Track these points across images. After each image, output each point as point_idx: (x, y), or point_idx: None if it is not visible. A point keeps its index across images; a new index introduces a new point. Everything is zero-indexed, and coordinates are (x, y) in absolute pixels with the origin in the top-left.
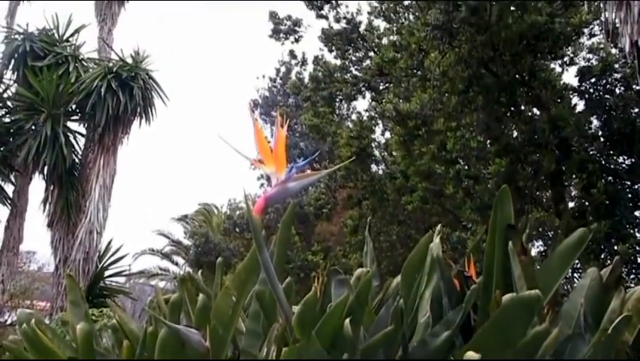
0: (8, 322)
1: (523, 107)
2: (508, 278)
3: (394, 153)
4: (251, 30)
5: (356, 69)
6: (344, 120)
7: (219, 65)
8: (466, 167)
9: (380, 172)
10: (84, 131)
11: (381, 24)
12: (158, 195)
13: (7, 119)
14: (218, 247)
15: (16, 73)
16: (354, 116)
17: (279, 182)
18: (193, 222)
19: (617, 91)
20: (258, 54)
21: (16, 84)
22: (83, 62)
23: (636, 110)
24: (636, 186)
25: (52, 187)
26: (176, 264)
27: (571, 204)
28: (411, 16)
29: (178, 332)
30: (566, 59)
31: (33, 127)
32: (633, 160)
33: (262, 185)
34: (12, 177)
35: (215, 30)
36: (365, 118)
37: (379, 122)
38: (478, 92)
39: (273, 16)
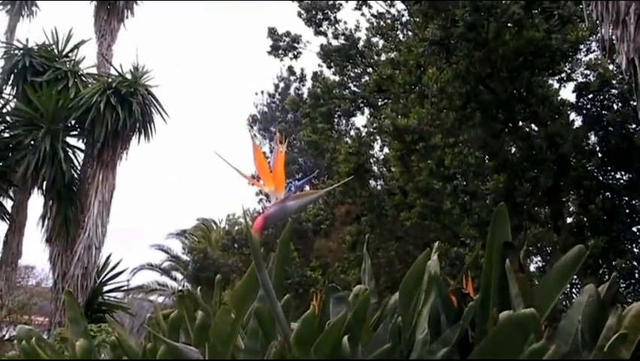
0: (6, 337)
1: (520, 124)
2: (505, 296)
3: (393, 169)
4: (250, 44)
5: (355, 85)
6: (342, 136)
7: (218, 78)
8: (464, 183)
9: (379, 188)
10: (83, 147)
11: (379, 41)
12: (157, 211)
13: (6, 135)
14: (217, 263)
15: (15, 88)
16: (352, 132)
17: (278, 201)
18: (192, 237)
19: (615, 107)
20: (257, 68)
21: (15, 99)
22: (83, 77)
23: (634, 126)
24: (634, 202)
25: (50, 202)
26: (175, 279)
27: (569, 220)
28: (409, 33)
29: (177, 349)
30: (563, 75)
31: (32, 142)
32: (631, 176)
33: (261, 200)
34: (11, 192)
35: (214, 43)
36: (363, 134)
37: (377, 138)
38: (475, 109)
39: (272, 32)
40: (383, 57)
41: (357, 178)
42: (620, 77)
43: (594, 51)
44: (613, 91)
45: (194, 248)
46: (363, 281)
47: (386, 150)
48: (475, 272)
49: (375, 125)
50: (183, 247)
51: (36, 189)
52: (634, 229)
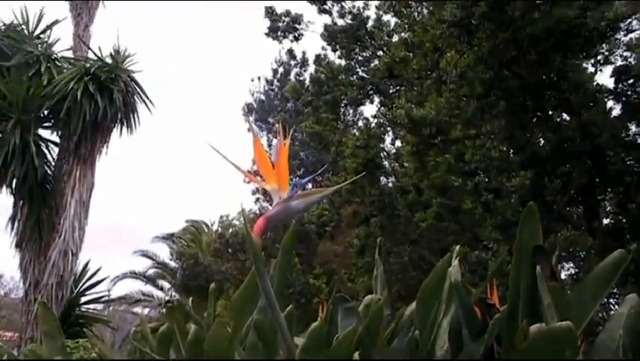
0: None
1: (550, 113)
2: (535, 306)
3: (406, 165)
4: (246, 26)
5: (363, 70)
6: (350, 128)
7: (211, 64)
8: (487, 179)
9: (390, 186)
10: (58, 140)
11: (391, 20)
12: (141, 211)
13: None
14: (209, 270)
15: None
16: (360, 123)
17: (282, 200)
18: (180, 241)
19: None
20: (253, 52)
21: None
22: (57, 61)
23: None
24: None
25: (21, 203)
26: (161, 289)
27: (605, 221)
28: (425, 11)
29: None
30: (599, 57)
31: (0, 135)
32: None
33: (258, 200)
34: None
35: (207, 28)
36: (373, 125)
37: (389, 129)
38: (499, 96)
39: (269, 12)
40: (395, 38)
41: (366, 175)
42: None
43: (636, 30)
44: None
45: (183, 253)
46: (374, 290)
47: (399, 143)
48: (501, 280)
49: (386, 115)
50: (171, 253)
51: (4, 187)
52: None
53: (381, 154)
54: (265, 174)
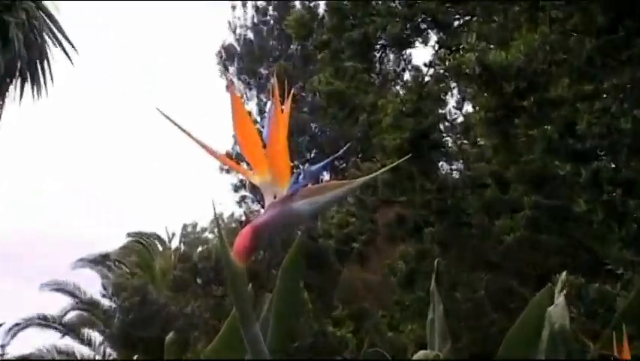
0: None
1: None
2: None
3: (480, 141)
4: None
5: None
6: (390, 84)
7: None
8: (612, 165)
9: (455, 176)
10: None
11: None
12: (58, 217)
13: None
14: (166, 312)
15: None
16: (407, 76)
17: (278, 200)
18: (119, 266)
19: None
20: None
21: None
22: None
23: None
24: None
25: None
26: (89, 343)
27: None
28: None
29: None
30: None
31: None
32: None
33: (243, 199)
34: None
35: None
36: (427, 79)
37: (453, 85)
38: (635, 29)
39: None
40: None
41: (416, 158)
42: None
43: None
44: None
45: (124, 286)
46: (429, 343)
47: (468, 107)
48: (637, 327)
49: (448, 62)
50: (104, 285)
51: None
52: None
53: (441, 125)
54: (252, 157)
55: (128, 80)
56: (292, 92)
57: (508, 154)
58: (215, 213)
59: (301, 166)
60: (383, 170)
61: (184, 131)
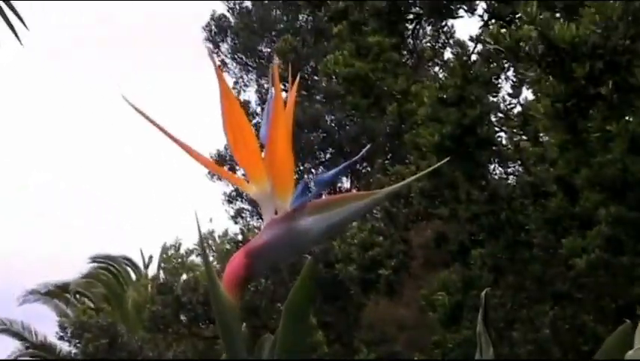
0: None
1: None
2: None
3: (542, 138)
4: None
5: None
6: (426, 64)
7: None
8: None
9: (510, 182)
10: None
11: None
12: (4, 237)
13: None
14: (141, 359)
15: None
16: (448, 55)
17: (280, 216)
18: (81, 300)
19: None
20: None
21: None
22: None
23: None
24: None
25: None
26: None
27: None
28: None
29: None
30: None
31: None
32: None
33: (239, 213)
34: None
35: None
36: (474, 58)
37: (506, 66)
38: None
39: None
40: None
41: (460, 159)
42: None
43: None
44: None
45: (88, 325)
46: None
47: (528, 94)
48: None
49: (500, 36)
50: (61, 324)
51: None
52: None
53: (492, 117)
54: (245, 162)
55: (93, 61)
56: (300, 75)
57: (576, 153)
58: (200, 232)
59: (314, 170)
60: (418, 175)
61: (159, 127)
